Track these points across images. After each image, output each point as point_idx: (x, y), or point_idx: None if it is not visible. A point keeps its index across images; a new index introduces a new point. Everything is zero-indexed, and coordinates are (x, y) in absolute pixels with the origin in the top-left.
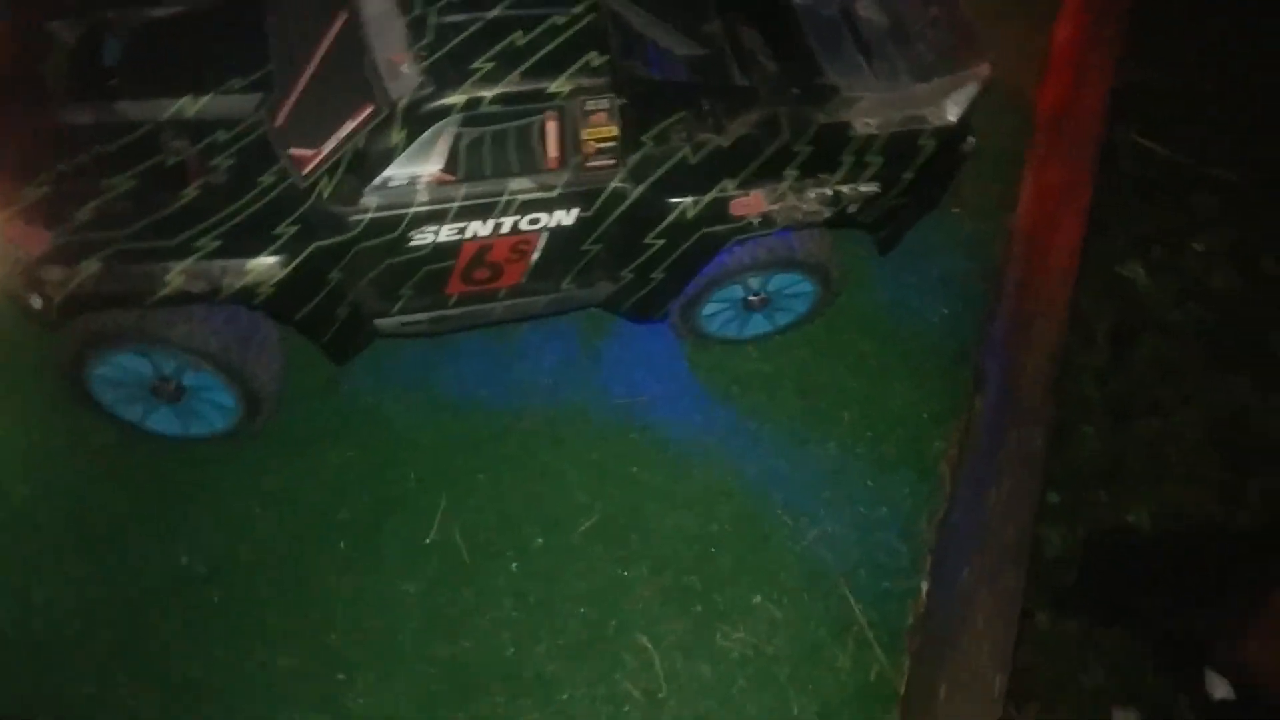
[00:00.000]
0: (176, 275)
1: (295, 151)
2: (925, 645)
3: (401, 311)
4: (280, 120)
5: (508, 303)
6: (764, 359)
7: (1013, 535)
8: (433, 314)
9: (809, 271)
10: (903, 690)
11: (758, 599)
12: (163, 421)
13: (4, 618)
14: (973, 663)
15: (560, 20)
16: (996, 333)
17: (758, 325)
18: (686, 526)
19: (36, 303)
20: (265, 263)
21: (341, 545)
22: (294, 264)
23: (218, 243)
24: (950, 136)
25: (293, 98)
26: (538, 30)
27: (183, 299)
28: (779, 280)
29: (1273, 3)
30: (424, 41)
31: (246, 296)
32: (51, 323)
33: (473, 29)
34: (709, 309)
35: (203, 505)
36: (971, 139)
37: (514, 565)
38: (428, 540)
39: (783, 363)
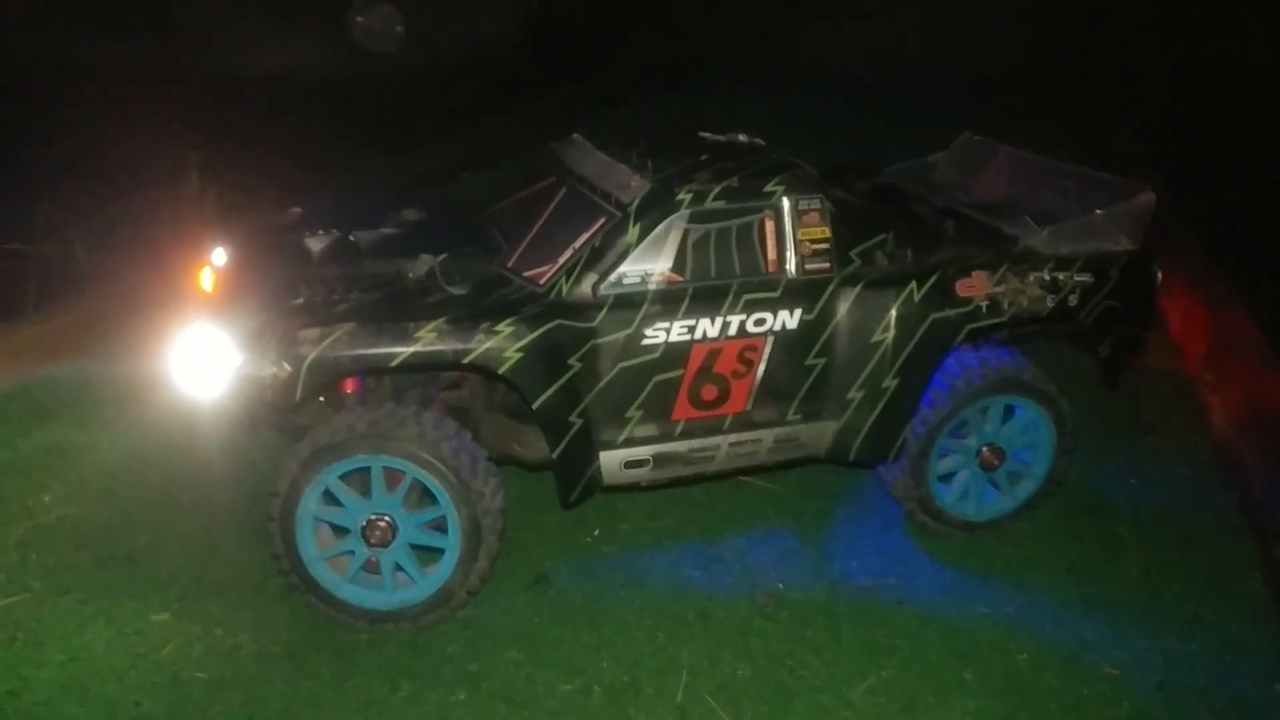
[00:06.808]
0: (428, 332)
1: (529, 273)
2: None
3: (627, 443)
4: (511, 262)
5: (733, 438)
6: (1014, 545)
7: None
8: (657, 448)
9: (1041, 399)
10: None
11: None
12: (363, 591)
13: None
14: None
15: (759, 158)
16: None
17: (997, 504)
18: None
19: (284, 370)
20: (512, 328)
21: None
22: (539, 331)
23: (466, 311)
24: (1138, 259)
25: (521, 246)
26: (743, 161)
27: (431, 362)
28: (1012, 426)
29: None
30: (649, 168)
31: (493, 360)
32: (292, 402)
33: (688, 162)
34: (941, 466)
35: (407, 693)
36: (1158, 269)
37: None
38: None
39: (1031, 548)
